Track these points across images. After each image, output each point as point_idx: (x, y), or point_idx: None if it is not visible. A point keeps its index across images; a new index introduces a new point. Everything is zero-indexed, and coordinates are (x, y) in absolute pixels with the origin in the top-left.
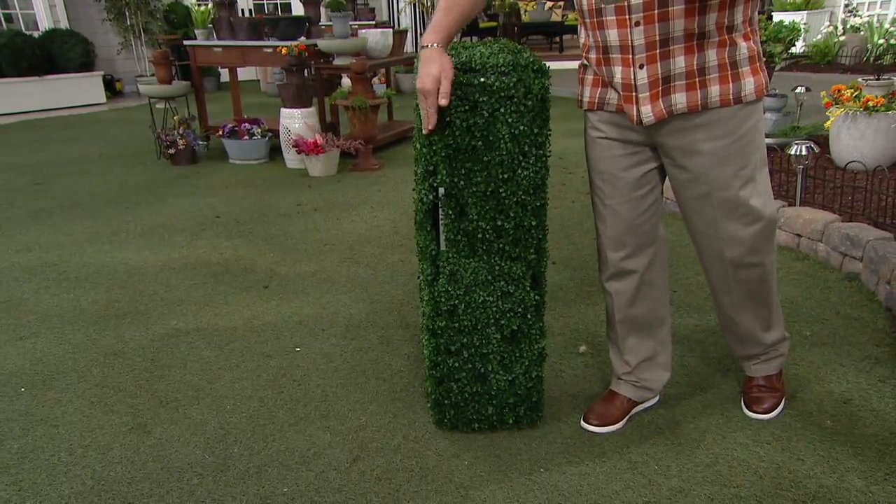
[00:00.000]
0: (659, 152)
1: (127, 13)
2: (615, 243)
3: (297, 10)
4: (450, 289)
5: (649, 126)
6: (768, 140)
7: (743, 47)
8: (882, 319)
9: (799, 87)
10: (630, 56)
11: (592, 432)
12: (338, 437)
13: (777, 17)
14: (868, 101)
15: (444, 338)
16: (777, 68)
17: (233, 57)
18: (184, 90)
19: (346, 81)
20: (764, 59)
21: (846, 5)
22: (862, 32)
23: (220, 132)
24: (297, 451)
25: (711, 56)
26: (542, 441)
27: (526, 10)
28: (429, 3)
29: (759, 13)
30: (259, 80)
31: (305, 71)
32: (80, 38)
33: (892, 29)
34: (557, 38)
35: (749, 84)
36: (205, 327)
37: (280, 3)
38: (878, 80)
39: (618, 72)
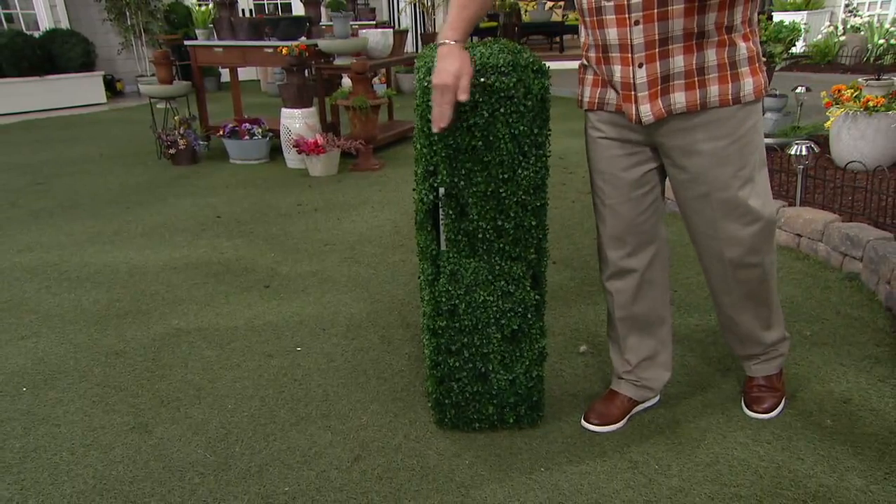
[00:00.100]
0: (659, 152)
1: (127, 13)
2: (615, 242)
3: (298, 10)
4: (450, 288)
5: (649, 126)
6: (768, 140)
7: (742, 48)
8: (882, 319)
9: (799, 87)
10: (629, 55)
11: (593, 431)
12: (339, 436)
13: (777, 17)
14: (868, 101)
15: (445, 337)
16: (777, 68)
17: (233, 57)
18: (184, 90)
19: (346, 81)
20: (764, 60)
21: (846, 5)
22: (862, 32)
23: (221, 132)
24: (299, 451)
25: (711, 56)
26: (543, 440)
27: (526, 10)
28: (429, 3)
29: (759, 13)
30: (259, 80)
31: (306, 71)
32: (81, 38)
33: (892, 29)
34: (557, 39)
35: (748, 84)
36: (206, 327)
37: (280, 3)
38: (878, 80)
39: (617, 70)
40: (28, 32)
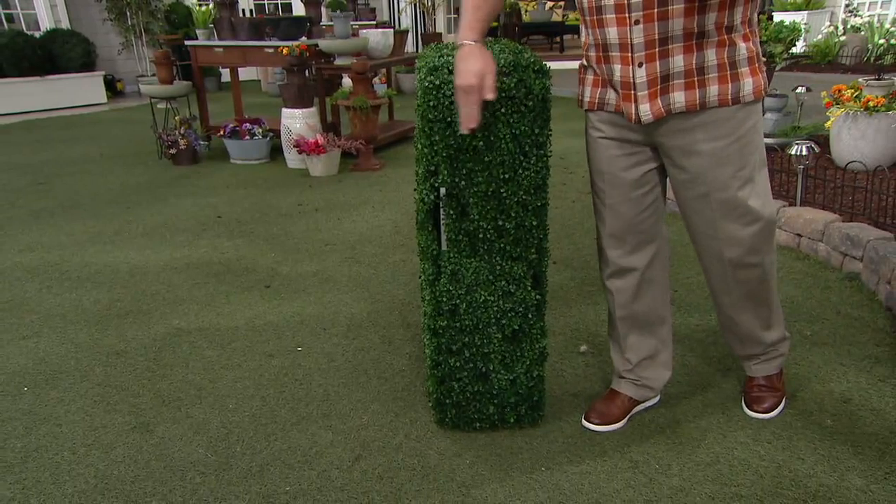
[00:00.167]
0: (659, 152)
1: (128, 13)
2: (615, 241)
3: (298, 10)
4: (451, 288)
5: (648, 125)
6: (769, 140)
7: (742, 48)
8: (882, 319)
9: (799, 87)
10: (629, 54)
11: (593, 431)
12: (340, 436)
13: (777, 17)
14: (868, 101)
15: (446, 337)
16: (777, 68)
17: (234, 57)
18: (185, 90)
19: (346, 81)
20: (764, 60)
21: (847, 5)
22: (862, 32)
23: (222, 132)
24: (300, 450)
25: (710, 56)
26: (544, 440)
27: (526, 10)
28: (429, 3)
29: (759, 13)
30: (260, 81)
31: (306, 71)
32: (82, 38)
33: (892, 29)
34: (558, 39)
35: (748, 85)
36: (207, 327)
37: (281, 4)
38: (878, 80)
39: (617, 70)
40: (29, 32)
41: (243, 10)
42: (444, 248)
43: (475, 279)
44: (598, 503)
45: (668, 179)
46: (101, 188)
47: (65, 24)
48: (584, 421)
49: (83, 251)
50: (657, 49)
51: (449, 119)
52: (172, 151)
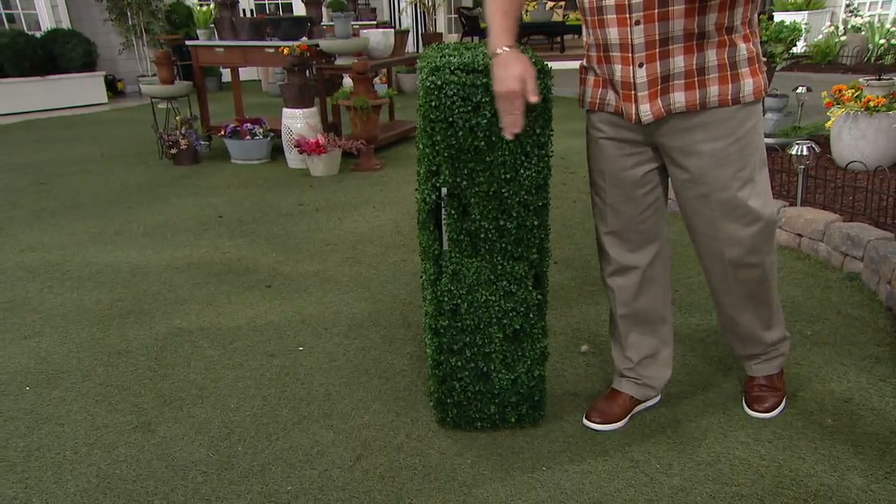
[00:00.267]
0: (660, 152)
1: (129, 13)
2: (617, 239)
3: (299, 10)
4: (452, 288)
5: (649, 126)
6: (769, 140)
7: (742, 48)
8: (883, 319)
9: (800, 88)
10: (630, 55)
11: (594, 430)
12: (341, 435)
13: (778, 17)
14: (869, 101)
15: (447, 337)
16: (778, 68)
17: (235, 57)
18: (186, 90)
19: (347, 81)
20: (765, 60)
21: (847, 5)
22: (863, 32)
23: (222, 132)
24: (301, 450)
25: (711, 56)
26: (545, 439)
27: (527, 10)
28: (430, 4)
29: (759, 13)
30: (260, 81)
31: (307, 71)
32: (82, 38)
33: (893, 29)
34: (559, 39)
35: (748, 85)
36: (208, 326)
37: (281, 4)
38: (879, 80)
39: (617, 70)
40: (30, 32)
41: (244, 10)
42: (445, 247)
43: (476, 279)
44: (599, 502)
45: (669, 179)
46: (102, 188)
47: (66, 24)
48: (585, 420)
49: (84, 251)
50: (657, 49)
51: (450, 119)
52: (173, 151)
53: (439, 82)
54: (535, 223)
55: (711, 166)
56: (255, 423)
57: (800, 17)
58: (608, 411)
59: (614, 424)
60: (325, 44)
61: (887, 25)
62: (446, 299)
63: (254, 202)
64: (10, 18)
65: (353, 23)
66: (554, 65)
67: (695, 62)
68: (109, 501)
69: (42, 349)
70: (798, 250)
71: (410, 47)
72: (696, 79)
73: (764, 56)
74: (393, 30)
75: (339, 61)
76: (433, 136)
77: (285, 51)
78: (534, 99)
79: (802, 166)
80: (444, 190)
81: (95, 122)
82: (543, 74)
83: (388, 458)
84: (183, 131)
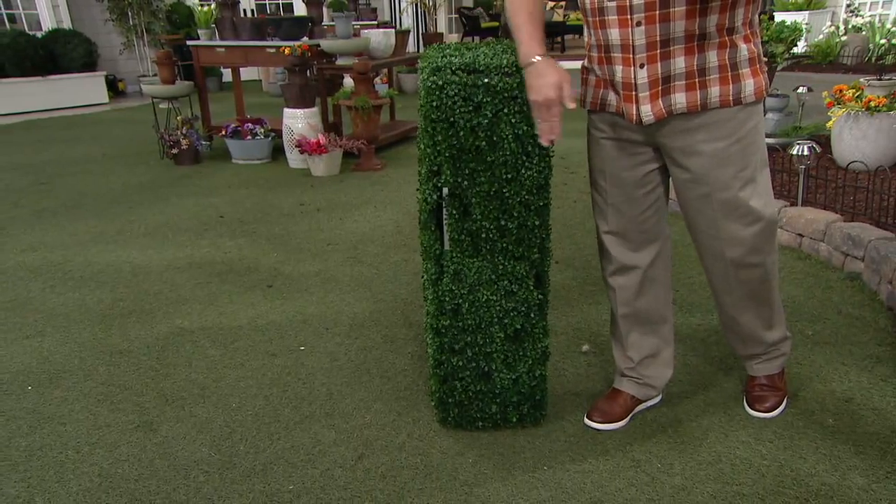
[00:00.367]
0: (661, 152)
1: (130, 13)
2: (618, 239)
3: (300, 10)
4: (454, 288)
5: (650, 126)
6: (770, 140)
7: (743, 49)
8: (884, 319)
9: (801, 88)
10: (631, 55)
11: (596, 430)
12: (343, 435)
13: (779, 17)
14: (870, 101)
15: (449, 336)
16: (779, 68)
17: (236, 57)
18: (187, 90)
19: (348, 81)
20: (765, 60)
21: (848, 5)
22: (864, 32)
23: (223, 132)
24: (303, 449)
25: (712, 57)
26: (546, 439)
27: None
28: (430, 4)
29: (760, 13)
30: (261, 80)
31: (308, 71)
32: (83, 38)
33: (893, 29)
34: (559, 39)
35: (749, 86)
36: (210, 326)
37: (282, 4)
38: (879, 80)
39: (619, 71)
40: (31, 32)
41: (245, 11)
42: (446, 247)
43: (478, 279)
44: (600, 502)
45: (670, 179)
46: (103, 188)
47: (66, 25)
48: (586, 420)
49: (86, 251)
50: (658, 51)
51: (452, 119)
52: (174, 151)
53: (441, 82)
54: (537, 223)
55: (713, 166)
56: (256, 423)
57: (800, 17)
58: (609, 411)
59: (615, 424)
60: (325, 44)
61: (888, 25)
62: (448, 299)
63: (255, 202)
64: (12, 18)
65: (353, 23)
66: None
67: (696, 63)
68: (111, 500)
69: (44, 349)
70: (799, 250)
71: (411, 47)
72: (696, 80)
73: (765, 56)
74: (394, 30)
75: (340, 61)
76: (434, 136)
77: (286, 51)
78: (571, 105)
79: (803, 166)
80: (445, 190)
81: (96, 122)
82: None
83: (390, 457)
84: (184, 131)
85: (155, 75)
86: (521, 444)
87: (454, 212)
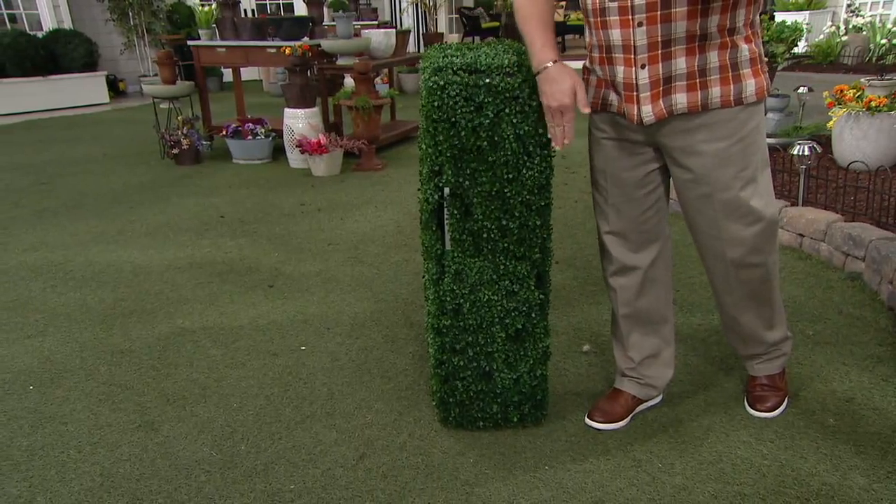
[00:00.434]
0: (662, 152)
1: (130, 13)
2: (619, 239)
3: (301, 10)
4: (455, 288)
5: (651, 126)
6: (771, 140)
7: (744, 49)
8: (884, 319)
9: (801, 88)
10: (632, 56)
11: (597, 430)
12: (344, 434)
13: (779, 17)
14: (871, 101)
15: (450, 336)
16: (779, 68)
17: (236, 57)
18: (187, 90)
19: (349, 81)
20: (766, 60)
21: (848, 5)
22: (864, 32)
23: (224, 132)
24: (304, 449)
25: (713, 57)
26: (547, 439)
27: None
28: (431, 4)
29: (761, 13)
30: (262, 81)
31: (309, 71)
32: (84, 38)
33: (894, 29)
34: (560, 39)
35: (750, 86)
36: (211, 326)
37: (283, 4)
38: (880, 80)
39: (620, 71)
40: (31, 32)
41: (245, 11)
42: (447, 247)
43: (479, 279)
44: (601, 501)
45: (671, 179)
46: (103, 188)
47: (67, 25)
48: (587, 419)
49: (87, 251)
50: (660, 51)
51: (453, 119)
52: (175, 151)
53: (442, 83)
54: (538, 223)
55: (714, 166)
56: (257, 423)
57: (801, 17)
58: (610, 411)
59: (616, 424)
60: (326, 44)
61: (889, 25)
62: (449, 299)
63: (255, 202)
64: (12, 18)
65: (354, 23)
66: None
67: (697, 63)
68: (113, 500)
69: (45, 348)
70: (800, 250)
71: (411, 47)
72: (697, 80)
73: (765, 56)
74: (394, 30)
75: (341, 61)
76: (436, 136)
77: (287, 51)
78: (586, 110)
79: (804, 166)
80: (446, 190)
81: (97, 122)
82: None
83: (391, 457)
84: (184, 131)
85: (156, 75)
86: (523, 444)
87: (455, 212)
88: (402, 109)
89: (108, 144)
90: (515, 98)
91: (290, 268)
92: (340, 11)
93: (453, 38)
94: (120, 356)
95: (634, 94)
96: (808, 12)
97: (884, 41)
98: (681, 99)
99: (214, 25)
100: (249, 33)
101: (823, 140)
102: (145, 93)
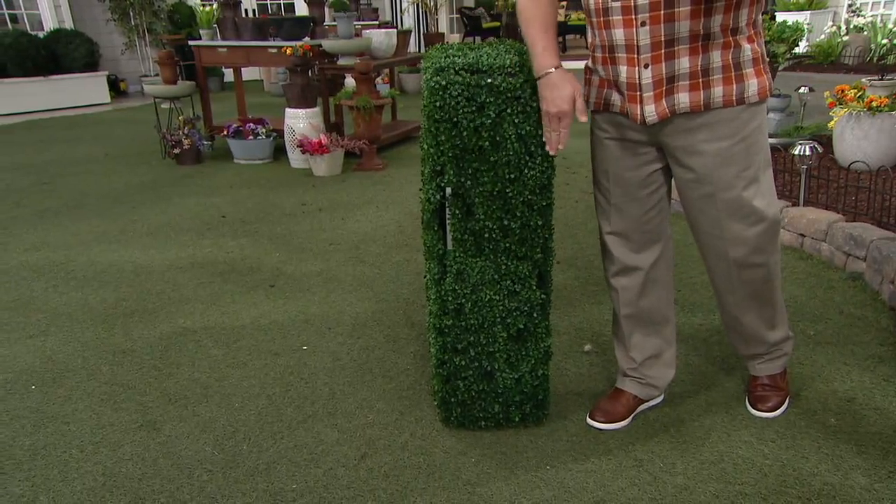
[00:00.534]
0: (664, 152)
1: (131, 13)
2: (621, 239)
3: (302, 10)
4: (457, 287)
5: (653, 126)
6: (772, 140)
7: (747, 49)
8: (885, 319)
9: (802, 88)
10: (635, 56)
11: (598, 429)
12: (345, 434)
13: (780, 17)
14: (872, 101)
15: (451, 336)
16: (780, 68)
17: (237, 57)
18: (188, 90)
19: (350, 81)
20: (767, 60)
21: (849, 5)
22: (865, 32)
23: (225, 132)
24: (306, 449)
25: (715, 57)
26: (548, 438)
27: None
28: (431, 4)
29: (762, 13)
30: (263, 81)
31: (310, 71)
32: (85, 38)
33: (895, 29)
34: (561, 38)
35: (752, 85)
36: (212, 326)
37: (284, 4)
38: (881, 80)
39: (623, 71)
40: (32, 33)
41: (246, 11)
42: (449, 247)
43: (480, 278)
44: (602, 501)
45: (672, 179)
46: (105, 188)
47: (68, 25)
48: (588, 419)
49: (88, 250)
50: (663, 51)
51: (455, 119)
52: (176, 151)
53: (444, 83)
54: (539, 223)
55: (716, 166)
56: (259, 422)
57: (802, 17)
58: (612, 410)
59: (618, 424)
60: (327, 44)
61: (889, 25)
62: (450, 299)
63: (257, 202)
64: (14, 18)
65: (355, 23)
66: None
67: (700, 63)
68: (115, 499)
69: (47, 348)
70: (801, 250)
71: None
72: (700, 80)
73: (766, 57)
74: (395, 30)
75: (342, 61)
76: (437, 136)
77: (288, 51)
78: (583, 119)
79: (805, 166)
80: (448, 190)
81: (98, 122)
82: None
83: (393, 456)
84: (186, 131)
85: (157, 75)
86: (524, 444)
87: (457, 211)
88: (403, 109)
89: (109, 144)
90: (517, 98)
91: (291, 267)
92: (342, 11)
93: (454, 38)
94: (122, 356)
95: (637, 93)
96: (809, 12)
97: (885, 41)
98: (683, 98)
99: (215, 25)
100: (250, 33)
101: (824, 140)
102: (146, 93)
